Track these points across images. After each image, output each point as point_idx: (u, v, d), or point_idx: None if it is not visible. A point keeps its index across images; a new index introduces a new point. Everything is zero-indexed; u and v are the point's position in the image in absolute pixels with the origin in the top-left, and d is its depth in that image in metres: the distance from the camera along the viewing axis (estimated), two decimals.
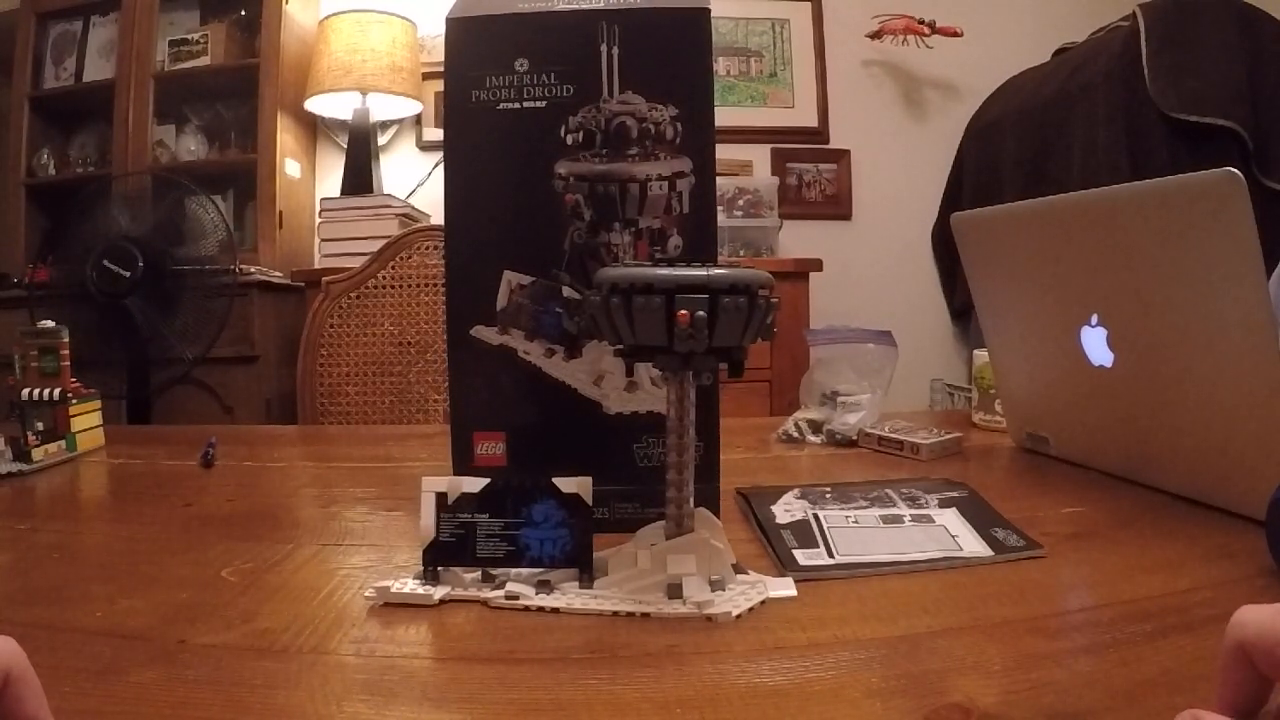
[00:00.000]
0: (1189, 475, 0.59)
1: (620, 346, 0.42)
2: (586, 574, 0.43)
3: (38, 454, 0.78)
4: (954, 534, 0.51)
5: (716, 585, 0.42)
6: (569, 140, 0.52)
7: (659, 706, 0.32)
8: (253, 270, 2.20)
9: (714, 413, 0.53)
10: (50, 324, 0.86)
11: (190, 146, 2.55)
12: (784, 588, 0.44)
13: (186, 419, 2.14)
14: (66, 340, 0.85)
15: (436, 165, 2.55)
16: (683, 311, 0.37)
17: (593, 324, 0.42)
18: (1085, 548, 0.51)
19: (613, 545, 0.45)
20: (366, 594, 0.43)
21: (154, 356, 1.85)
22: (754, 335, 0.40)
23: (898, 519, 0.55)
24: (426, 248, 1.51)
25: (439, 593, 0.42)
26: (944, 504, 0.57)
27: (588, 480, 0.43)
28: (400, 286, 1.51)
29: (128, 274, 1.75)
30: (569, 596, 0.42)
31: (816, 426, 0.87)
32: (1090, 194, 0.60)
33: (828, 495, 0.60)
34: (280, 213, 2.38)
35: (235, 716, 0.31)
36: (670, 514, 0.43)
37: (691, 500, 0.43)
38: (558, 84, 0.52)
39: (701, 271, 0.38)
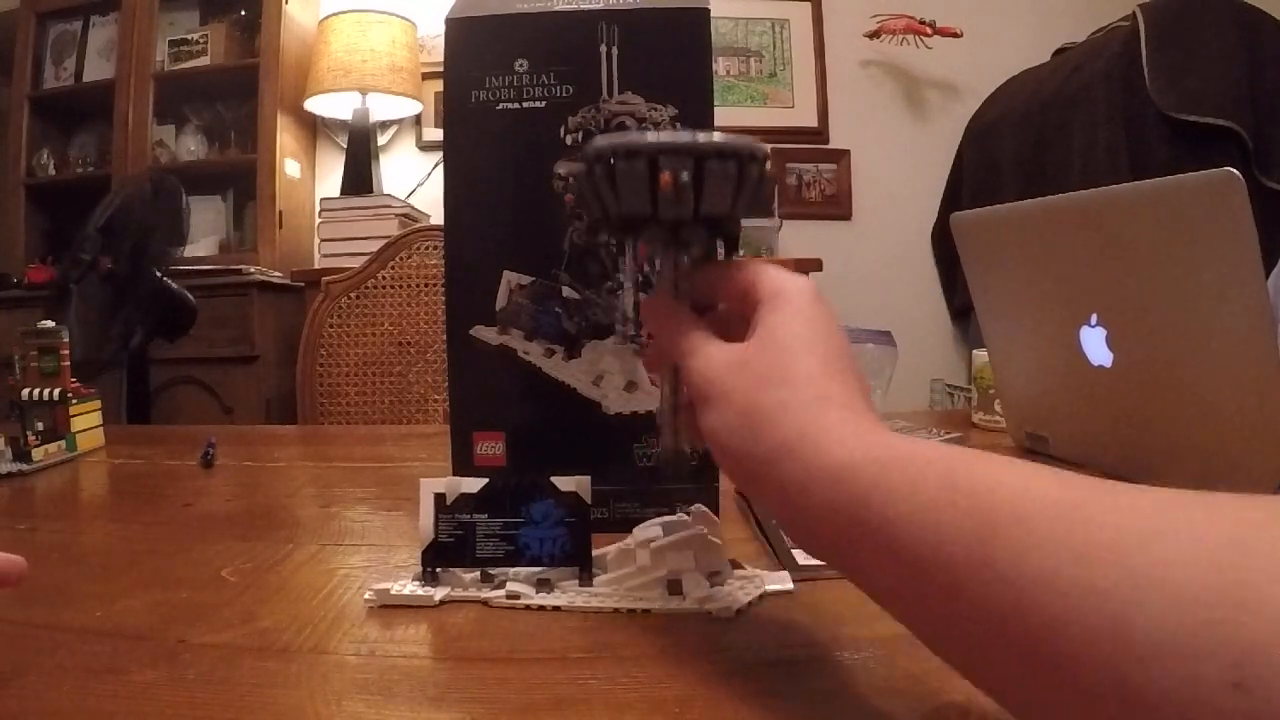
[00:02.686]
0: (1189, 475, 0.59)
1: (607, 224, 0.39)
2: (586, 572, 0.43)
3: (38, 454, 0.78)
4: None
5: (715, 580, 0.42)
6: (569, 140, 0.52)
7: (659, 706, 0.32)
8: (253, 270, 2.21)
9: None
10: (50, 324, 0.86)
11: (190, 146, 2.55)
12: (780, 581, 0.44)
13: (186, 419, 2.14)
14: (67, 340, 0.85)
15: (436, 165, 2.55)
16: (665, 173, 0.35)
17: (580, 199, 0.39)
18: None
19: (612, 545, 0.45)
20: (366, 596, 0.43)
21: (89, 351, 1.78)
22: (746, 205, 0.37)
23: None
24: (426, 248, 1.52)
25: (439, 594, 0.42)
26: None
27: (586, 479, 0.43)
28: (400, 286, 1.52)
29: (89, 257, 1.71)
30: (569, 595, 0.42)
31: None
32: (1090, 194, 0.60)
33: None
34: (280, 213, 2.38)
35: (235, 716, 0.31)
36: (661, 431, 0.40)
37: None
38: (557, 84, 0.52)
39: (688, 136, 0.36)
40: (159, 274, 1.69)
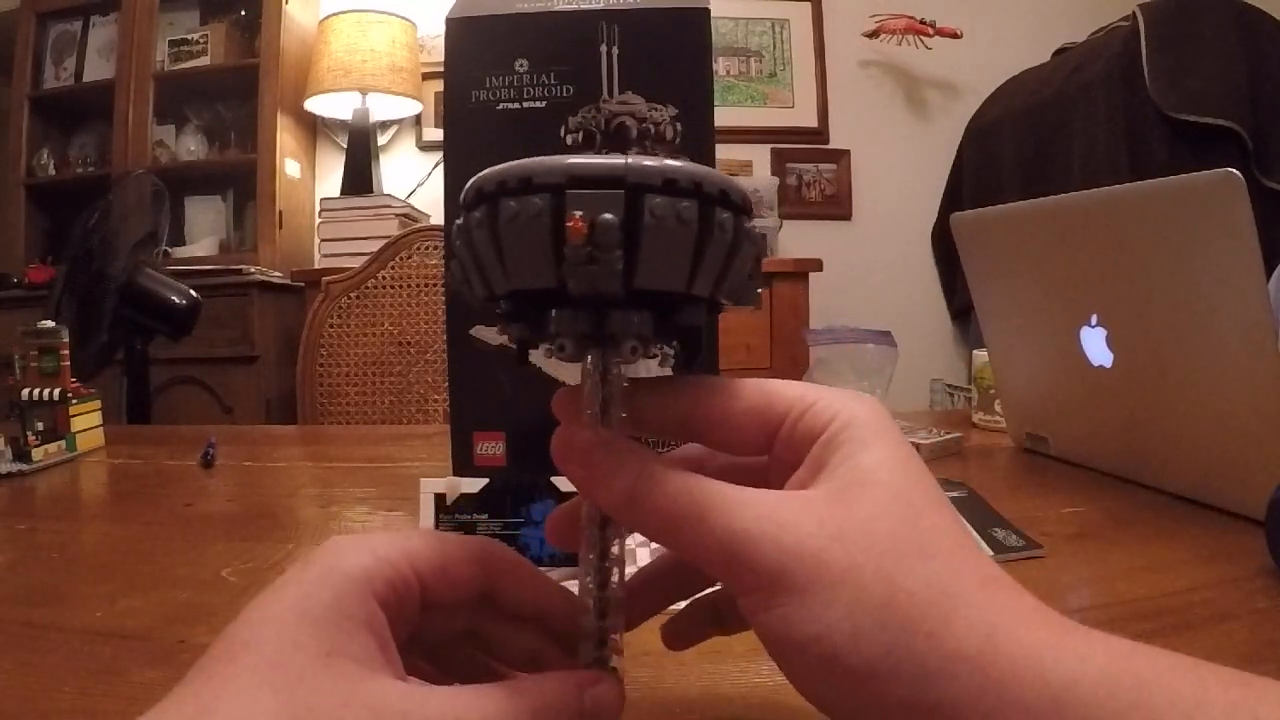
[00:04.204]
0: (1189, 475, 0.59)
1: (497, 305, 0.24)
2: None
3: (38, 454, 0.78)
4: None
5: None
6: (569, 140, 0.52)
7: (659, 706, 0.32)
8: (253, 270, 2.21)
9: None
10: (50, 324, 0.86)
11: (190, 146, 2.55)
12: None
13: (186, 419, 2.14)
14: (66, 340, 0.85)
15: (436, 165, 2.55)
16: (576, 215, 0.21)
17: (460, 273, 0.25)
18: (1085, 548, 0.51)
19: None
20: None
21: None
22: (713, 277, 0.22)
23: None
24: (426, 248, 1.52)
25: None
26: None
27: None
28: (400, 286, 1.52)
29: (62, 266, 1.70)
30: None
31: None
32: (1090, 194, 0.60)
33: None
34: (280, 213, 2.38)
35: None
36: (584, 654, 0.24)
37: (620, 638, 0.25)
38: (558, 84, 0.52)
39: (619, 159, 0.21)
40: (128, 274, 1.67)
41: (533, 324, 0.24)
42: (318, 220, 2.36)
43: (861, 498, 0.21)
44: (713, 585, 0.28)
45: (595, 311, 0.23)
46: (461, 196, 0.23)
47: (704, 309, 0.24)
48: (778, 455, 0.24)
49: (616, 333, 0.23)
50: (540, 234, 0.21)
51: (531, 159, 0.22)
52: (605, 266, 0.21)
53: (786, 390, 0.24)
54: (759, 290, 0.25)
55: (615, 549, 0.24)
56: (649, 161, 0.21)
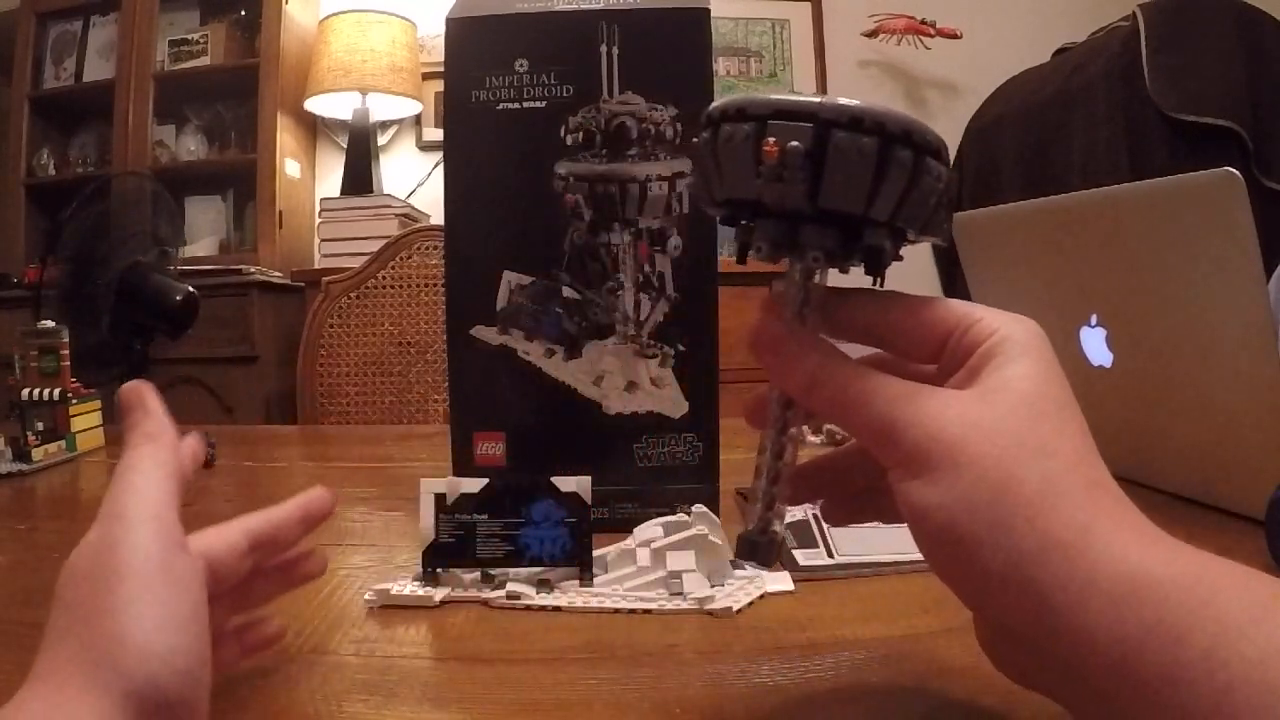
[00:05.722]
0: (1189, 475, 0.59)
1: (720, 206, 0.30)
2: (586, 572, 0.43)
3: (38, 454, 0.78)
4: None
5: (715, 580, 0.43)
6: (569, 140, 0.52)
7: (659, 706, 0.32)
8: (253, 270, 2.21)
9: (714, 410, 0.54)
10: (50, 324, 0.86)
11: (190, 146, 2.55)
12: (781, 581, 0.44)
13: (186, 419, 2.13)
14: (66, 340, 0.85)
15: (436, 165, 2.55)
16: (770, 140, 0.25)
17: (699, 177, 0.30)
18: None
19: (612, 545, 0.45)
20: (366, 596, 0.43)
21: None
22: (892, 205, 0.26)
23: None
24: (426, 248, 1.52)
25: (439, 594, 0.42)
26: None
27: (587, 479, 0.43)
28: (400, 286, 1.52)
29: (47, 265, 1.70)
30: (569, 595, 0.42)
31: (817, 426, 0.87)
32: (1090, 194, 0.60)
33: None
34: (280, 213, 2.38)
35: (235, 716, 0.31)
36: (756, 500, 0.29)
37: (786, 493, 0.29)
38: (557, 84, 0.52)
39: (814, 98, 0.26)
40: (123, 272, 1.66)
41: (740, 219, 0.29)
42: (318, 220, 2.36)
43: (999, 401, 0.25)
44: (862, 485, 0.31)
45: (791, 223, 0.27)
46: (703, 117, 0.28)
47: (885, 232, 0.27)
48: (945, 362, 0.27)
49: (805, 243, 0.27)
50: (747, 153, 0.26)
51: (752, 94, 0.27)
52: (790, 183, 0.25)
53: (958, 307, 0.28)
54: (946, 225, 0.29)
55: (792, 430, 0.29)
56: (843, 101, 0.26)
